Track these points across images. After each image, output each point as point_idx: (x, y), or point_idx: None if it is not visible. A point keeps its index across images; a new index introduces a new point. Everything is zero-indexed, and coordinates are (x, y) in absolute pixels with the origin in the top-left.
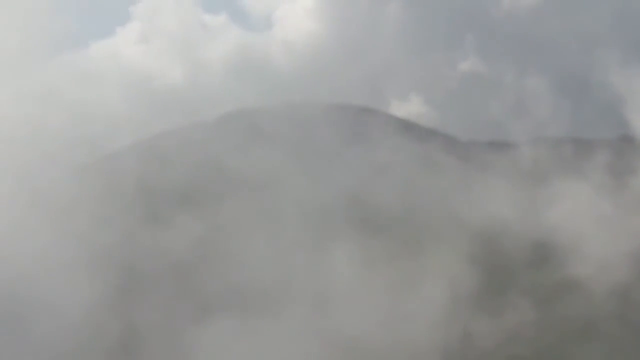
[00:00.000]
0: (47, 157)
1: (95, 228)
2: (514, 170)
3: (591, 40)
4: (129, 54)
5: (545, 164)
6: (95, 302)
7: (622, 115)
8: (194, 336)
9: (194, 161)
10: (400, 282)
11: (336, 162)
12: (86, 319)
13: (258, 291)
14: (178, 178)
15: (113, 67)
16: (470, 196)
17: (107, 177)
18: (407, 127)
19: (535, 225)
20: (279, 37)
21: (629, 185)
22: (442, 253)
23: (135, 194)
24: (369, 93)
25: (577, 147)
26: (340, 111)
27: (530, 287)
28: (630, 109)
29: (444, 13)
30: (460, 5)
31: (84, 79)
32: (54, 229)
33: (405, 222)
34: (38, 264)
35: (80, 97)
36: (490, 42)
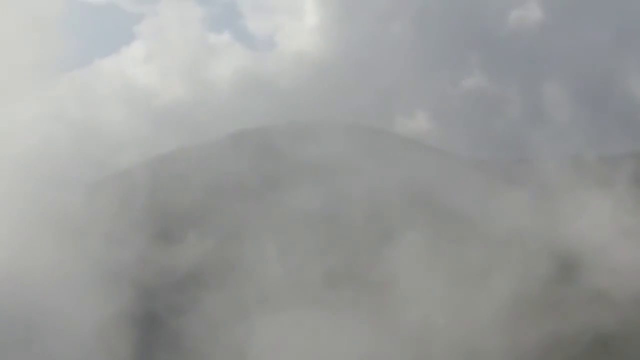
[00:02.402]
0: (55, 176)
1: (107, 246)
2: (534, 183)
3: (607, 51)
4: (134, 73)
5: (566, 176)
6: (107, 319)
7: None
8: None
9: (205, 178)
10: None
11: (352, 178)
12: (98, 335)
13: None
14: (190, 195)
15: (118, 86)
16: (492, 209)
17: (118, 195)
18: (415, 145)
19: (559, 237)
20: (283, 56)
21: None
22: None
23: (146, 212)
24: (374, 110)
25: (599, 159)
26: (350, 129)
27: (554, 299)
28: None
29: (449, 30)
30: (465, 23)
31: (90, 97)
32: (65, 247)
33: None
34: (50, 282)
35: (85, 115)
36: (497, 59)
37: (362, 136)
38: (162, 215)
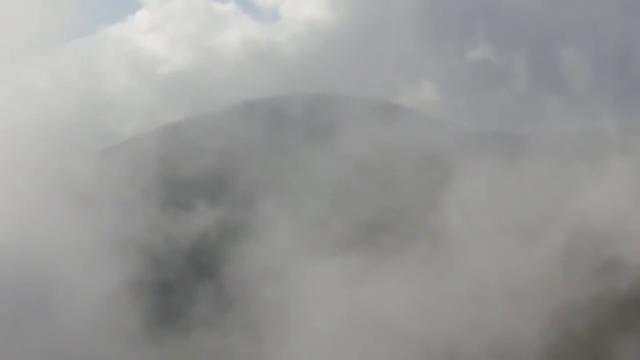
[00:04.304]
0: (64, 144)
1: (117, 214)
2: (548, 155)
3: (621, 17)
4: (139, 41)
5: (579, 147)
6: (117, 287)
7: None
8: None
9: (216, 146)
10: None
11: (366, 148)
12: (108, 303)
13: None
14: (200, 163)
15: (124, 54)
16: (511, 179)
17: (129, 163)
18: (420, 116)
19: (577, 204)
20: (288, 26)
21: None
22: None
23: (157, 180)
24: (380, 81)
25: (616, 129)
26: (358, 101)
27: (572, 266)
28: None
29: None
30: None
31: (95, 65)
32: (75, 215)
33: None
34: (60, 250)
35: (92, 84)
36: (505, 29)
37: (369, 106)
38: (173, 183)
